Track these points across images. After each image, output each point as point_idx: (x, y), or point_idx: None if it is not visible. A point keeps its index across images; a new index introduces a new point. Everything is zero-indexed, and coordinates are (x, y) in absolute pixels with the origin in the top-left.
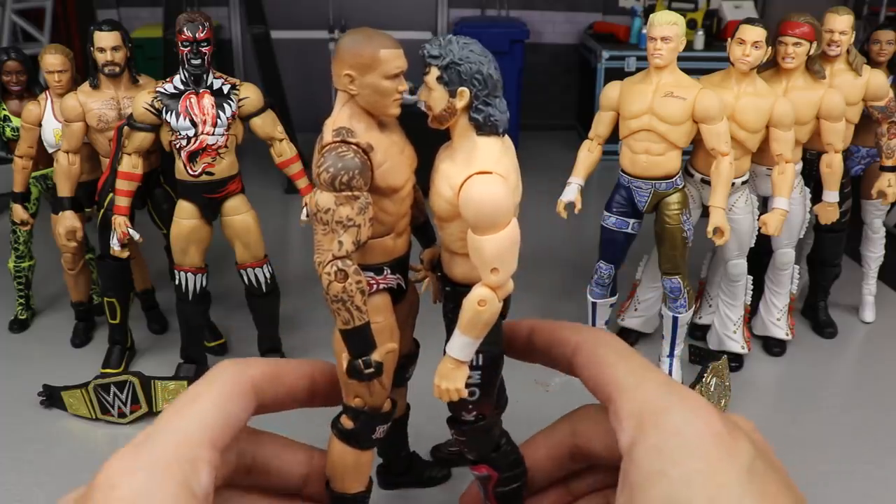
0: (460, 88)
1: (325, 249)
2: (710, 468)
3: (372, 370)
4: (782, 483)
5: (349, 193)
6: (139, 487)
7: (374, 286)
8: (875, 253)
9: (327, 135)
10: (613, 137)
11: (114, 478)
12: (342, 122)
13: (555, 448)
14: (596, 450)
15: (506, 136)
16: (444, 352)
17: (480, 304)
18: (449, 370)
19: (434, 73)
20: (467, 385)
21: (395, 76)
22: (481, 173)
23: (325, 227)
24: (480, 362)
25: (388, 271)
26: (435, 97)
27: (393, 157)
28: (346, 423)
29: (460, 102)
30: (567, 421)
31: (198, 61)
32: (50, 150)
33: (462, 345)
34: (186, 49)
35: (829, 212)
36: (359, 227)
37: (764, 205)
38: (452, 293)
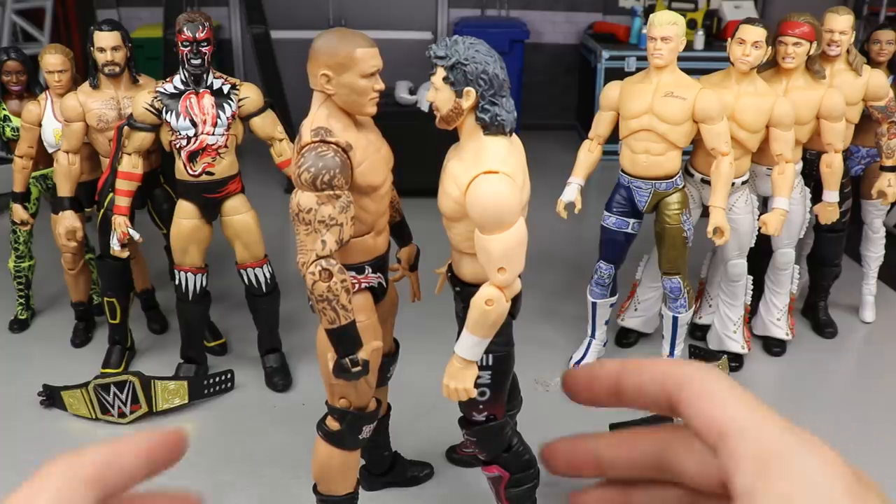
0: (466, 88)
1: (309, 249)
2: None
3: (359, 368)
4: None
5: (331, 192)
6: None
7: (356, 285)
8: (875, 253)
9: (305, 135)
10: (613, 137)
11: None
12: (320, 121)
13: (644, 450)
14: (688, 469)
15: (514, 135)
16: (454, 351)
17: (488, 303)
18: (457, 370)
19: (440, 73)
20: (477, 385)
21: (371, 75)
22: (488, 173)
23: (308, 226)
24: (490, 362)
25: (370, 270)
26: (441, 97)
27: (371, 156)
28: (332, 424)
29: (467, 102)
30: (661, 429)
31: (198, 61)
32: (50, 150)
33: (470, 344)
34: (186, 49)
35: (829, 212)
36: (341, 225)
37: (764, 205)
38: (462, 293)
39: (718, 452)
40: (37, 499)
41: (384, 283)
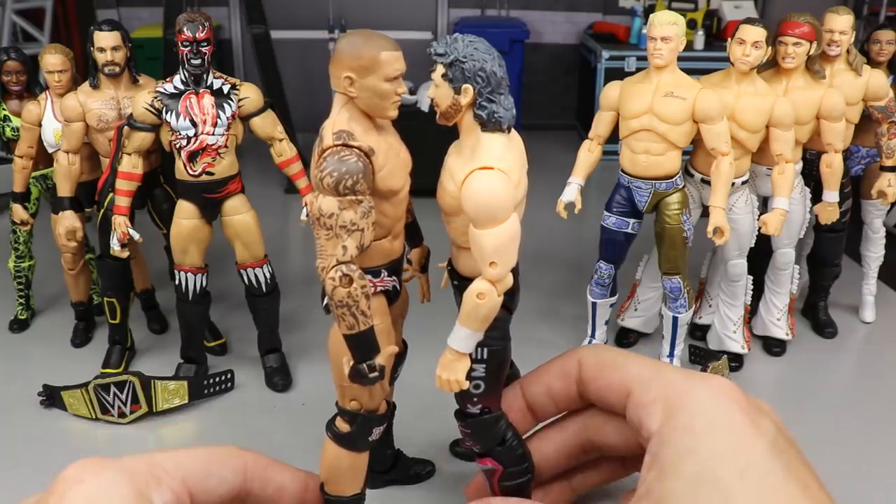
0: (464, 85)
1: (329, 254)
2: (738, 443)
3: (377, 374)
4: (802, 460)
5: (353, 198)
6: (102, 484)
7: (373, 289)
8: (875, 253)
9: (327, 138)
10: (613, 137)
11: (83, 473)
12: (341, 124)
13: (567, 441)
14: (610, 441)
15: (513, 131)
16: (447, 343)
17: (479, 296)
18: (449, 361)
19: (440, 70)
20: (472, 378)
21: (394, 78)
22: (483, 168)
23: (329, 231)
24: (484, 355)
25: (385, 274)
26: (441, 94)
27: (391, 160)
28: (342, 426)
29: (465, 99)
30: (577, 416)
31: (198, 61)
32: (50, 150)
33: (462, 336)
34: (186, 49)
35: (829, 212)
36: (362, 231)
37: (764, 205)
38: (461, 286)
39: (629, 407)
40: (195, 447)
41: (398, 287)
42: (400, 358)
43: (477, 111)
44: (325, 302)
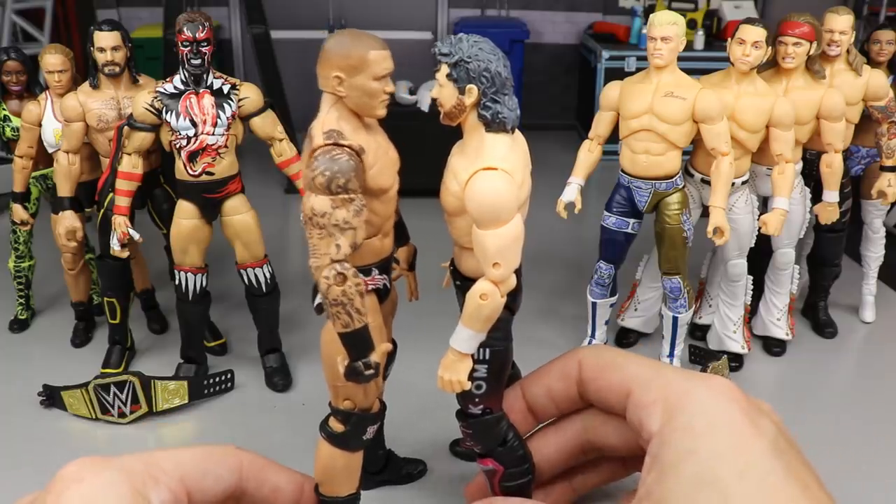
0: (469, 86)
1: (322, 253)
2: (738, 444)
3: (372, 371)
4: (802, 460)
5: (345, 196)
6: (100, 483)
7: (364, 287)
8: (875, 253)
9: (317, 137)
10: (613, 137)
11: (81, 472)
12: (331, 124)
13: (566, 442)
14: (610, 441)
15: (517, 132)
16: (449, 344)
17: (482, 297)
18: (452, 362)
19: (444, 70)
20: (474, 378)
21: (382, 77)
22: (487, 169)
23: (322, 230)
24: (487, 356)
25: (376, 272)
26: (445, 94)
27: (381, 159)
28: (336, 426)
29: (469, 99)
30: (577, 417)
31: (198, 61)
32: (50, 150)
33: (465, 337)
34: (186, 49)
35: (829, 212)
36: (355, 229)
37: (764, 205)
38: (463, 287)
39: (629, 408)
40: (192, 446)
41: (388, 285)
42: (390, 357)
43: (481, 111)
44: (317, 302)
